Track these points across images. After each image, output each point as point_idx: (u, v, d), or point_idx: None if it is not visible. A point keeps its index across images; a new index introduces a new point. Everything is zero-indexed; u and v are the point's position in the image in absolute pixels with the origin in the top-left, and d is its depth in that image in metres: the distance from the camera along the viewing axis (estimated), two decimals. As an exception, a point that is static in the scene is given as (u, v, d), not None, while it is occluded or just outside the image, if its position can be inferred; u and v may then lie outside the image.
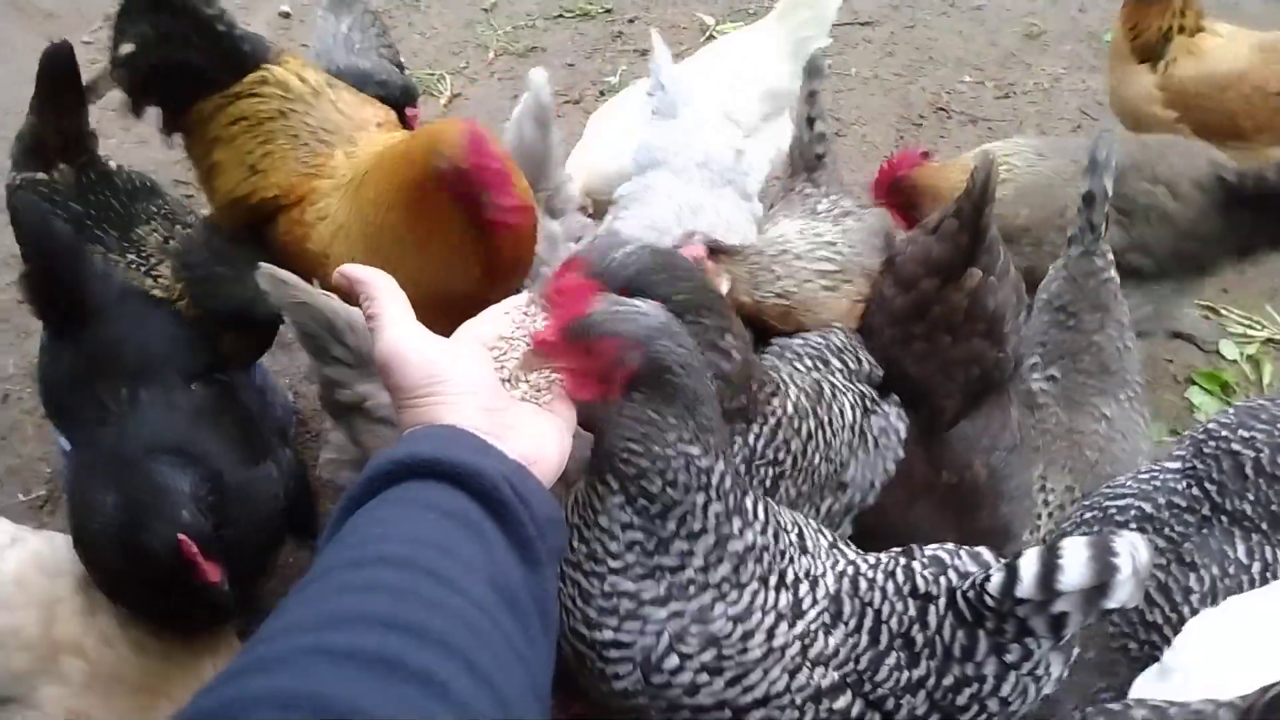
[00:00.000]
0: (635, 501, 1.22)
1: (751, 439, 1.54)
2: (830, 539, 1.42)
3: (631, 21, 4.09)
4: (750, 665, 1.25)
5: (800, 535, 1.36)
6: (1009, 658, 1.24)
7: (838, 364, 1.78)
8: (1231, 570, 1.56)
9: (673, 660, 1.24)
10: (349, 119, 1.99)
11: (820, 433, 1.63)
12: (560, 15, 4.15)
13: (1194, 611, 1.54)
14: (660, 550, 1.23)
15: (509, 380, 1.06)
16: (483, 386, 1.00)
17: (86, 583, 1.67)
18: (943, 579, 1.27)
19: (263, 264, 1.61)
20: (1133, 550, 1.15)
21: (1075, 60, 3.90)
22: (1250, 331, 2.85)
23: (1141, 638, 1.60)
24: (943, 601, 1.26)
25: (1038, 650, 1.24)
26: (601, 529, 1.25)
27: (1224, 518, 1.60)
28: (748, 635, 1.25)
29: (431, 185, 1.66)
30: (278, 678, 0.66)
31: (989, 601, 1.20)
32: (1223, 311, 2.91)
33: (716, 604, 1.25)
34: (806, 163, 2.17)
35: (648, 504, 1.21)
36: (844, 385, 1.74)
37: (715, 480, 1.22)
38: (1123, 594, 1.14)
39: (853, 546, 1.45)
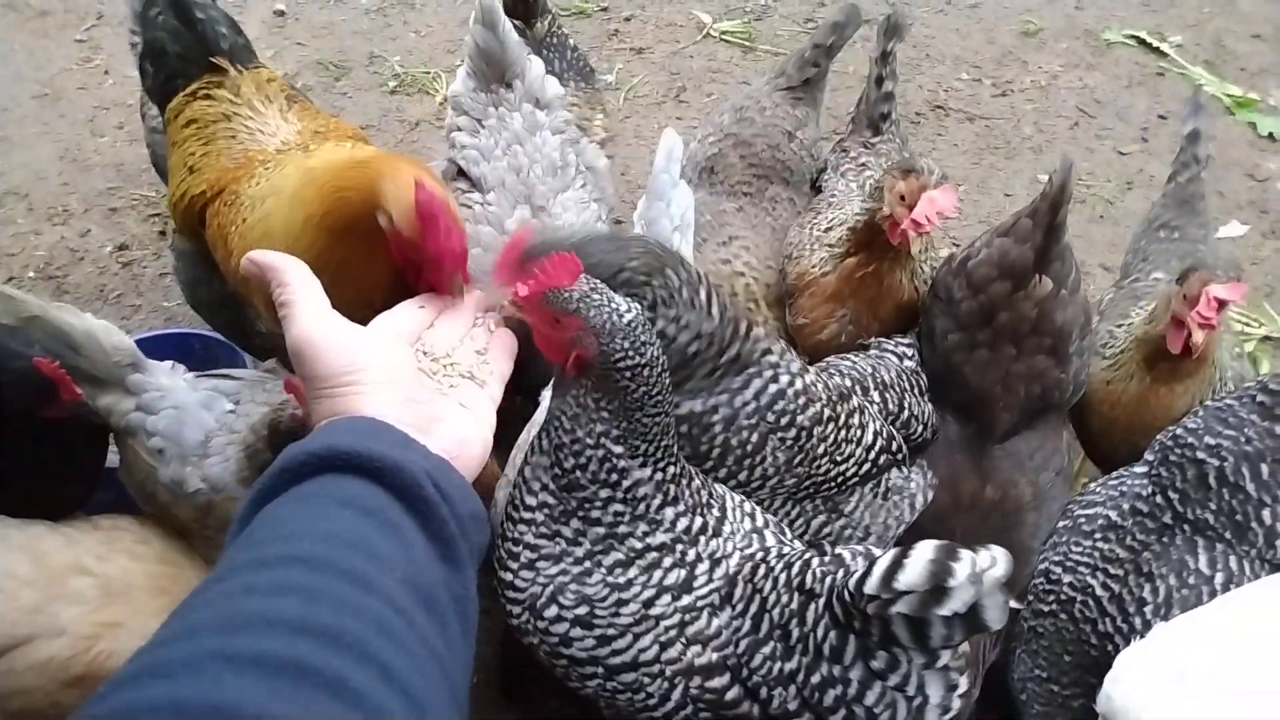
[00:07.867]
0: (551, 469, 1.31)
1: (750, 393, 1.53)
2: (757, 524, 1.43)
3: (628, 20, 4.07)
4: (621, 629, 1.32)
5: (720, 518, 1.39)
6: (875, 665, 1.24)
7: (877, 397, 1.76)
8: (1191, 580, 1.53)
9: (552, 610, 1.34)
10: (291, 125, 1.91)
11: (833, 427, 1.61)
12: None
13: (1146, 623, 1.52)
14: (562, 520, 1.33)
15: (433, 373, 1.01)
16: (404, 377, 0.96)
17: (55, 527, 1.72)
18: (829, 578, 1.27)
19: None
20: (981, 562, 1.11)
21: (1072, 58, 3.89)
22: (1248, 329, 2.84)
23: (1097, 645, 1.58)
24: (823, 601, 1.27)
25: (905, 663, 1.23)
26: (525, 479, 1.35)
27: (1186, 526, 1.57)
28: (622, 603, 1.32)
29: (362, 226, 1.48)
30: (177, 684, 0.61)
31: (846, 596, 1.20)
32: (1220, 309, 2.90)
33: (595, 572, 1.33)
34: (870, 122, 2.38)
35: (560, 474, 1.30)
36: (875, 415, 1.71)
37: (628, 483, 1.29)
38: (956, 602, 1.10)
39: (786, 534, 1.46)
